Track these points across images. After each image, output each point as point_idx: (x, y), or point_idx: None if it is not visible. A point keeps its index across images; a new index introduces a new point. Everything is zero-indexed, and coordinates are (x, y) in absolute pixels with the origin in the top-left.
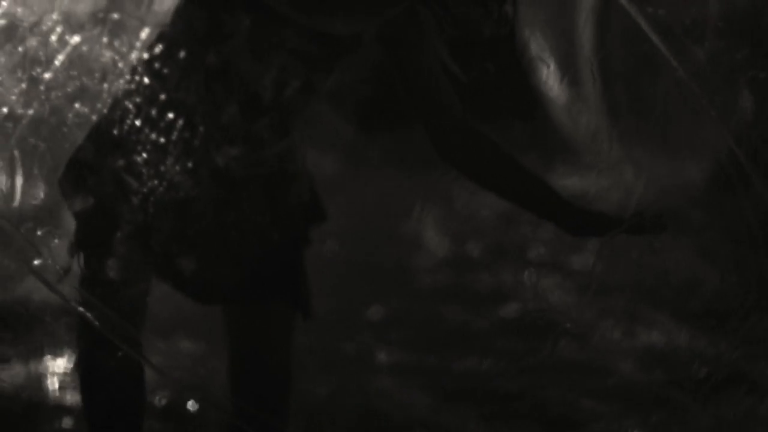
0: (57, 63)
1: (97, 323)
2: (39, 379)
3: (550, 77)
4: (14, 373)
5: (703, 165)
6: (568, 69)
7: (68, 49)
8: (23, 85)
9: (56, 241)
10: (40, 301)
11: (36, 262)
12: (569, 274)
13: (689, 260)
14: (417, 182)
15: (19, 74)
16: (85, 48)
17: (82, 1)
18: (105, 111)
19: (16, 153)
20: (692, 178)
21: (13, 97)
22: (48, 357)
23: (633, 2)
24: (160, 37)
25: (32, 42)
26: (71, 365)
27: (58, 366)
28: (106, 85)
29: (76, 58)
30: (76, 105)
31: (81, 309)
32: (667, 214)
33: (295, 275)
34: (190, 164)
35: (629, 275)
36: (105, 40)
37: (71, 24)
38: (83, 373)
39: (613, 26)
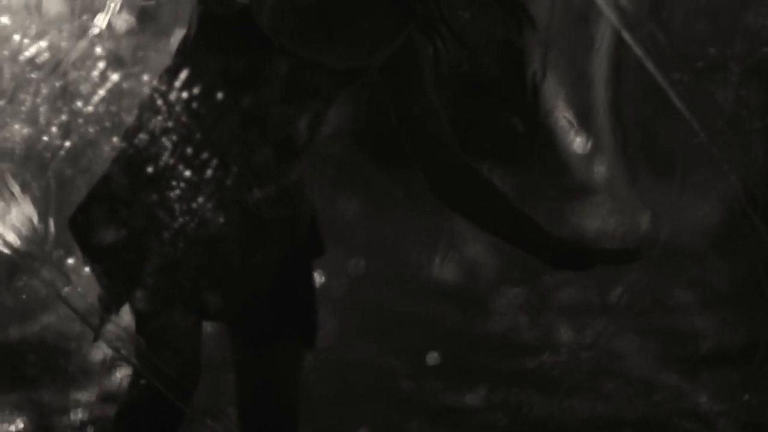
0: (97, 98)
1: (124, 353)
2: (66, 408)
3: (566, 123)
4: (42, 401)
5: (716, 211)
6: (585, 116)
7: (109, 84)
8: (63, 117)
9: (87, 269)
10: (68, 331)
11: (66, 289)
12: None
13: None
14: (440, 225)
15: (60, 106)
16: (125, 85)
17: (125, 39)
18: (141, 146)
19: (52, 182)
20: (705, 223)
21: (53, 129)
22: (76, 386)
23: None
24: (197, 78)
25: (74, 76)
26: (97, 394)
27: (86, 396)
28: (144, 121)
29: (116, 94)
30: (114, 139)
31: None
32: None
33: (310, 312)
34: (221, 203)
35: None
36: (145, 78)
37: (113, 61)
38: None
39: (628, 74)
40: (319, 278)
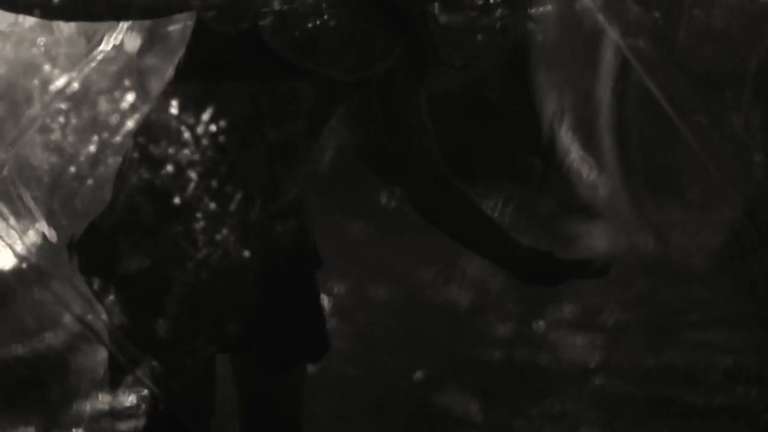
0: (126, 129)
1: (142, 378)
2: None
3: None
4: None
5: (719, 231)
6: (589, 137)
7: (137, 116)
8: (92, 148)
9: (111, 297)
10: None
11: (89, 316)
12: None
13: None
14: (447, 248)
15: (89, 137)
16: (153, 117)
17: (154, 72)
18: (168, 177)
19: (79, 208)
20: (708, 244)
21: (82, 158)
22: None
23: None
24: (224, 112)
25: (104, 107)
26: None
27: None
28: (171, 153)
29: (145, 126)
30: (141, 170)
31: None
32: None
33: (323, 331)
34: (245, 235)
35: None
36: (173, 110)
37: (143, 93)
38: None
39: (631, 94)
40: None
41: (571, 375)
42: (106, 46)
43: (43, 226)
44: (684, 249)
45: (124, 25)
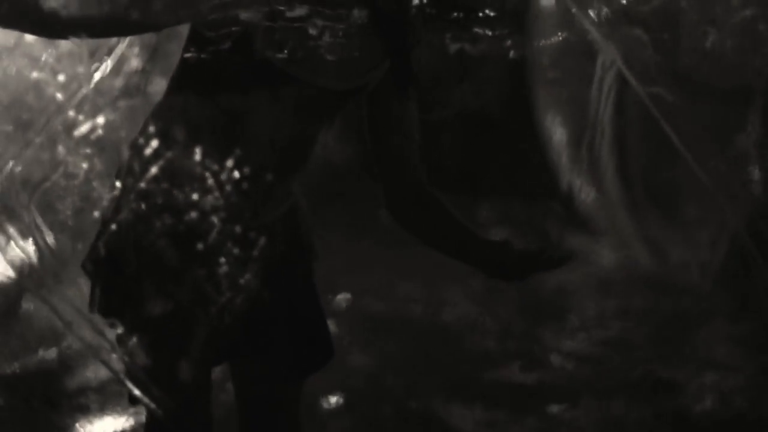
0: (149, 175)
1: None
2: None
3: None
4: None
5: (720, 246)
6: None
7: (162, 162)
8: (116, 193)
9: (135, 340)
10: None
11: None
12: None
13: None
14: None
15: (113, 182)
16: (177, 163)
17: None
18: (193, 222)
19: (102, 253)
20: (705, 257)
21: (105, 203)
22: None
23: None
24: (249, 160)
25: (128, 152)
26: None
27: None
28: (195, 198)
29: (169, 171)
30: (165, 215)
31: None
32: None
33: (328, 339)
34: (268, 278)
35: None
36: (197, 157)
37: (167, 139)
38: None
39: (630, 111)
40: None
41: (572, 389)
42: (109, 61)
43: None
44: (683, 264)
45: (126, 40)
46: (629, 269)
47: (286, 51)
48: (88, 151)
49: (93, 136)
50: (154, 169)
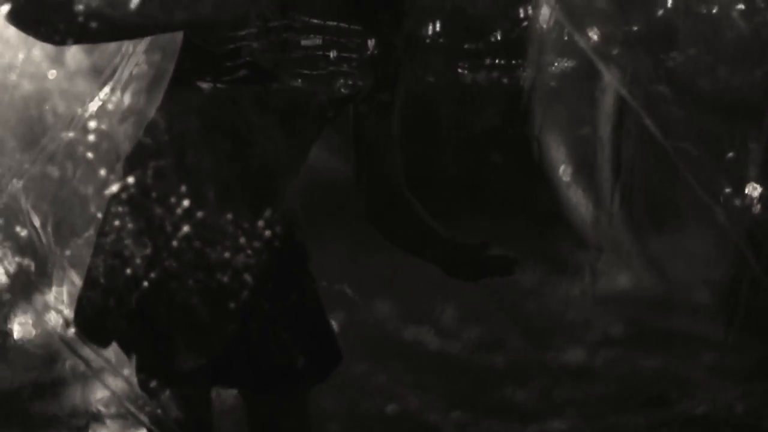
0: (181, 234)
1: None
2: None
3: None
4: None
5: (721, 264)
6: (587, 172)
7: (193, 221)
8: (147, 251)
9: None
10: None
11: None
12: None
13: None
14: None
15: (145, 240)
16: (209, 221)
17: (209, 179)
18: (225, 281)
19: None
20: (707, 275)
21: (138, 261)
22: None
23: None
24: (281, 220)
25: (159, 212)
26: None
27: None
28: (227, 256)
29: (201, 230)
30: (197, 273)
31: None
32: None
33: (333, 351)
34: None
35: None
36: (229, 216)
37: (198, 199)
38: None
39: (630, 129)
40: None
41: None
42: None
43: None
44: (684, 281)
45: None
46: (630, 286)
47: (277, 59)
48: (120, 209)
49: (124, 196)
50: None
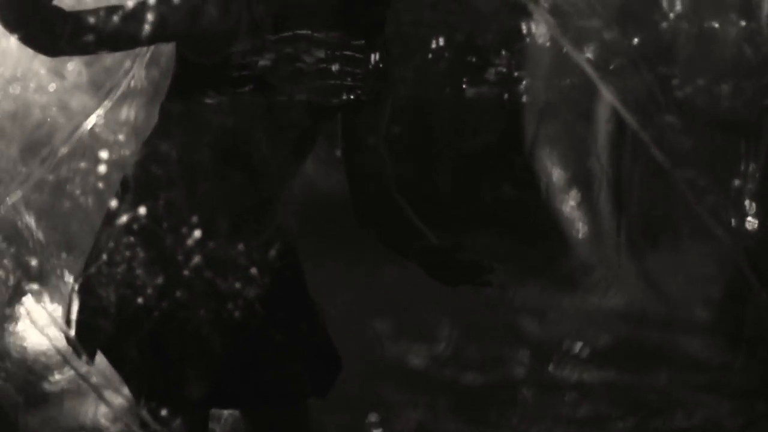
0: (192, 264)
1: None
2: None
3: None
4: None
5: (715, 279)
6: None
7: (205, 251)
8: (159, 281)
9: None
10: None
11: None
12: None
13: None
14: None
15: (156, 270)
16: (220, 251)
17: (221, 209)
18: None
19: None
20: (703, 291)
21: (149, 291)
22: None
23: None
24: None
25: (170, 242)
26: None
27: None
28: (237, 287)
29: (212, 260)
30: (209, 303)
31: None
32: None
33: (333, 362)
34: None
35: None
36: (241, 246)
37: (209, 230)
38: None
39: (627, 147)
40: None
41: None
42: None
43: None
44: (682, 299)
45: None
46: (625, 303)
47: (272, 68)
48: (131, 239)
49: (135, 226)
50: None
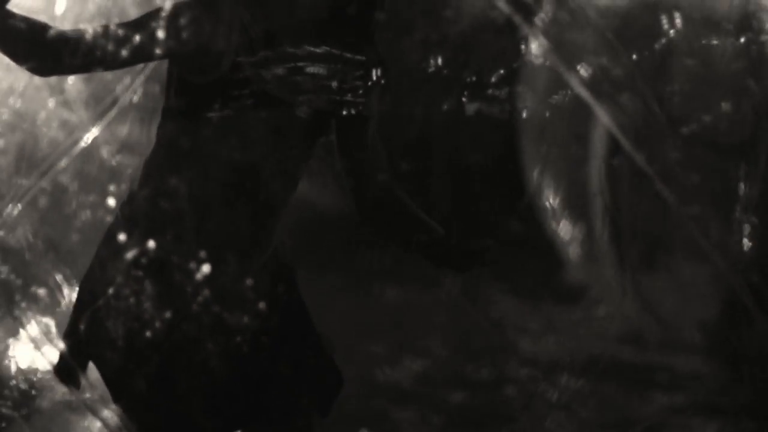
0: (201, 298)
1: None
2: None
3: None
4: None
5: (713, 302)
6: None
7: (212, 284)
8: (167, 315)
9: None
10: None
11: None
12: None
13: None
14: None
15: (165, 304)
16: (227, 285)
17: (227, 233)
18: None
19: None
20: (699, 314)
21: (158, 324)
22: None
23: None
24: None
25: (178, 277)
26: None
27: None
28: (245, 321)
29: (219, 294)
30: (217, 337)
31: None
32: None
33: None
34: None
35: None
36: (249, 282)
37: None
38: None
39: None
40: None
41: None
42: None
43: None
44: (676, 320)
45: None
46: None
47: (270, 78)
48: (140, 273)
49: (144, 260)
50: None
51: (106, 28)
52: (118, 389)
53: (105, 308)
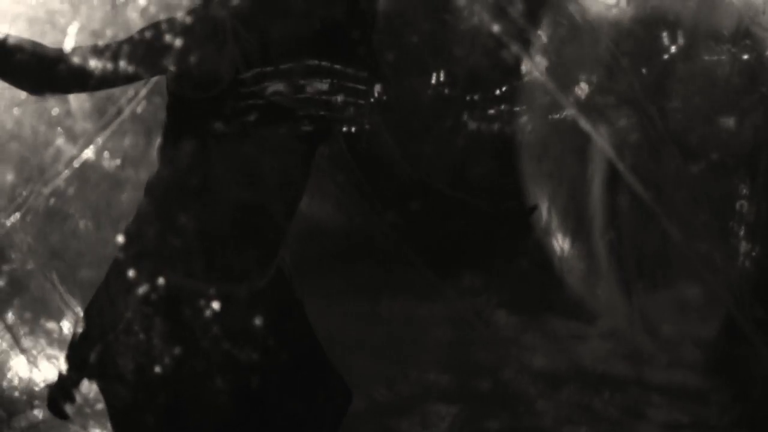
0: (210, 334)
1: None
2: None
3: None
4: None
5: (713, 324)
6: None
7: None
8: (176, 351)
9: None
10: None
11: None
12: None
13: None
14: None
15: (174, 339)
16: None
17: (238, 275)
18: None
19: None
20: (698, 332)
21: (167, 359)
22: None
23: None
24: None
25: (188, 312)
26: None
27: None
28: (254, 357)
29: (229, 330)
30: (226, 372)
31: None
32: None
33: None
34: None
35: None
36: (258, 321)
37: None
38: None
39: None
40: None
41: None
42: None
43: None
44: (676, 339)
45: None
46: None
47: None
48: (150, 309)
49: (153, 297)
50: None
51: (108, 47)
52: (126, 425)
53: (115, 343)
